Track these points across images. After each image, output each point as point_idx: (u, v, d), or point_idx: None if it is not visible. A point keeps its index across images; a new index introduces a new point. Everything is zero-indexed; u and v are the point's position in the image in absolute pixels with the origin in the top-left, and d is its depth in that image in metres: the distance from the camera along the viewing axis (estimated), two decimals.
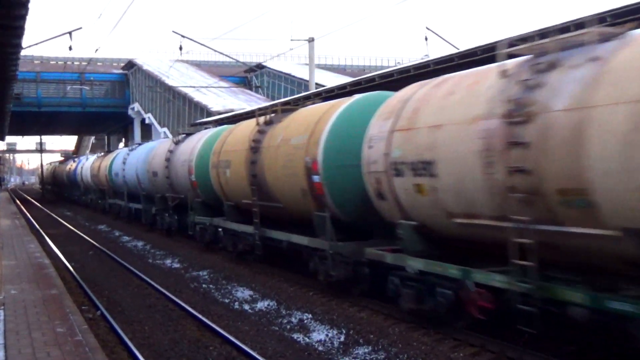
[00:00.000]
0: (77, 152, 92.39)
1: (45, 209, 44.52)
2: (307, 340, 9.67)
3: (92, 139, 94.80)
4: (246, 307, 12.06)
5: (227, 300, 12.68)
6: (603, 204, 6.46)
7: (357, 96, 12.78)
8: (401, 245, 9.96)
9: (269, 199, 14.22)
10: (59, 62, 62.07)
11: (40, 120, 62.39)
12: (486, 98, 8.09)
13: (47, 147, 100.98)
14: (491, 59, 12.01)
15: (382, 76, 16.12)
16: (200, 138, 20.33)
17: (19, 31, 10.76)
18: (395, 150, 9.64)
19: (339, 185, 11.81)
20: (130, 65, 58.98)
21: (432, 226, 9.35)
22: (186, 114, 44.30)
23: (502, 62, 8.12)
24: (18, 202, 53.34)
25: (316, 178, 12.03)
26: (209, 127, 22.63)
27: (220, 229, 17.75)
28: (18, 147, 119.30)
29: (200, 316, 11.00)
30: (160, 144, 25.88)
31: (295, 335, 9.93)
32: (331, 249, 11.83)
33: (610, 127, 6.32)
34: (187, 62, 56.93)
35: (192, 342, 9.69)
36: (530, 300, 7.42)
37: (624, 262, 6.66)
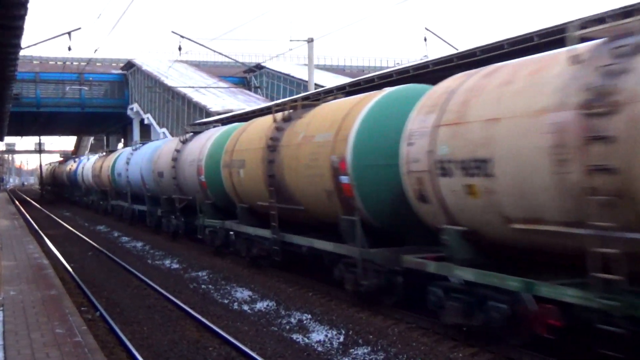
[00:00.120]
0: (76, 152, 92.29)
1: (45, 210, 44.48)
2: (307, 340, 9.68)
3: (91, 139, 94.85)
4: (245, 307, 12.06)
5: (226, 301, 12.67)
6: None
7: (387, 90, 11.65)
8: (445, 253, 8.92)
9: (289, 201, 13.21)
10: (58, 63, 62.03)
11: (39, 121, 62.44)
12: (554, 87, 7.07)
13: (46, 148, 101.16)
14: (490, 60, 12.04)
15: (381, 77, 16.09)
16: (209, 136, 19.22)
17: (18, 31, 10.73)
18: (442, 147, 8.60)
19: (370, 187, 10.80)
20: (129, 65, 59.09)
21: (483, 232, 8.32)
22: (185, 114, 44.35)
23: (571, 47, 7.16)
24: (17, 202, 53.29)
25: (344, 179, 11.01)
26: (218, 125, 21.08)
27: (231, 233, 16.80)
28: (17, 148, 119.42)
29: (199, 317, 11.00)
30: (166, 143, 24.84)
31: (294, 336, 9.93)
32: (362, 256, 10.81)
33: None
34: (186, 62, 57.16)
35: (192, 342, 9.69)
36: (615, 320, 6.43)
37: None
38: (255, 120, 16.70)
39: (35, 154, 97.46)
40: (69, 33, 27.97)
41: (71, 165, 53.57)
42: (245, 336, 9.90)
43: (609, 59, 6.59)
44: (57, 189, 68.58)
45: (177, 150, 21.12)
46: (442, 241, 8.88)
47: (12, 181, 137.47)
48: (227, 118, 27.68)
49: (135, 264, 17.83)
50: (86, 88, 55.82)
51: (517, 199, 7.48)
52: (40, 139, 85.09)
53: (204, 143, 19.13)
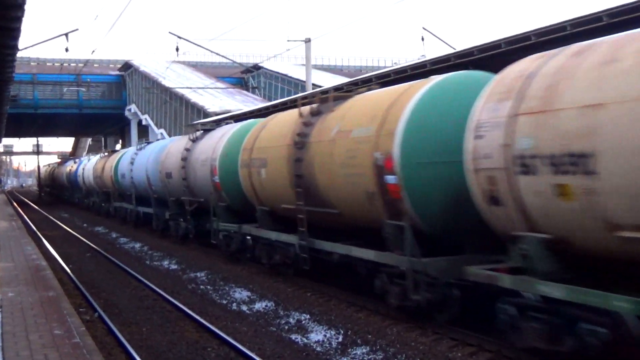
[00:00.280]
0: (74, 153, 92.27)
1: (43, 212, 44.43)
2: (305, 340, 9.67)
3: (89, 140, 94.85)
4: (244, 308, 12.05)
5: (224, 302, 12.67)
6: None
7: (437, 77, 10.37)
8: (524, 265, 7.60)
9: (320, 204, 11.94)
10: (56, 64, 61.98)
11: (37, 122, 62.40)
12: None
13: (44, 149, 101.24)
14: (488, 59, 12.06)
15: (378, 76, 16.11)
16: (223, 134, 17.85)
17: (15, 33, 10.73)
18: (523, 140, 7.32)
19: (422, 187, 9.52)
20: (126, 66, 59.10)
21: (575, 241, 7.06)
22: (183, 115, 44.34)
23: None
24: (15, 204, 53.22)
25: (391, 178, 9.73)
26: (230, 122, 19.76)
27: (248, 238, 15.69)
28: (15, 149, 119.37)
29: (198, 317, 10.98)
30: (173, 141, 23.51)
31: (293, 336, 9.93)
32: (413, 267, 9.52)
33: None
34: (183, 63, 57.17)
35: (190, 343, 9.68)
36: None
37: None
38: (277, 115, 15.50)
39: (33, 156, 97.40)
40: (66, 34, 27.93)
41: (71, 166, 52.53)
42: (244, 336, 9.90)
43: None
44: (56, 191, 67.93)
45: (187, 149, 19.82)
46: (520, 251, 7.58)
47: (10, 183, 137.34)
48: (225, 118, 27.62)
49: (133, 264, 17.81)
50: (84, 89, 55.81)
51: (628, 202, 6.27)
52: (38, 141, 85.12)
53: (217, 141, 17.84)
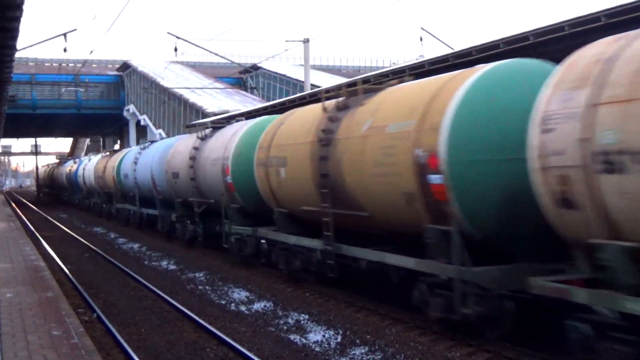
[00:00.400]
0: (73, 154, 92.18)
1: (41, 212, 44.40)
2: (304, 341, 9.66)
3: (88, 141, 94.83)
4: (243, 308, 12.04)
5: (223, 302, 12.65)
6: None
7: (485, 66, 9.27)
8: (605, 277, 6.62)
9: (348, 206, 10.99)
10: (54, 64, 61.97)
11: (35, 123, 62.48)
12: None
13: (42, 150, 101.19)
14: (486, 59, 12.06)
15: (377, 76, 16.12)
16: (235, 131, 16.75)
17: (13, 33, 10.74)
18: (605, 134, 6.36)
19: (473, 188, 8.51)
20: (125, 66, 59.14)
21: None
22: (181, 115, 44.36)
23: None
24: (13, 205, 53.18)
25: (435, 178, 8.72)
26: (241, 120, 18.84)
27: (263, 242, 14.76)
28: (13, 150, 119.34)
29: (196, 318, 10.96)
30: (180, 140, 22.54)
31: (292, 336, 9.92)
32: (462, 277, 8.49)
33: None
34: (182, 63, 57.17)
35: (189, 344, 9.66)
36: None
37: None
38: (296, 111, 14.49)
39: (32, 156, 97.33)
40: (64, 34, 27.96)
41: (71, 166, 51.19)
42: (242, 337, 9.89)
43: None
44: (55, 192, 67.06)
45: (196, 148, 18.81)
46: (599, 261, 6.64)
47: (9, 183, 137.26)
48: (225, 118, 27.57)
49: (132, 265, 17.78)
50: (82, 89, 55.90)
51: None
52: (36, 141, 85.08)
53: (229, 139, 16.78)
